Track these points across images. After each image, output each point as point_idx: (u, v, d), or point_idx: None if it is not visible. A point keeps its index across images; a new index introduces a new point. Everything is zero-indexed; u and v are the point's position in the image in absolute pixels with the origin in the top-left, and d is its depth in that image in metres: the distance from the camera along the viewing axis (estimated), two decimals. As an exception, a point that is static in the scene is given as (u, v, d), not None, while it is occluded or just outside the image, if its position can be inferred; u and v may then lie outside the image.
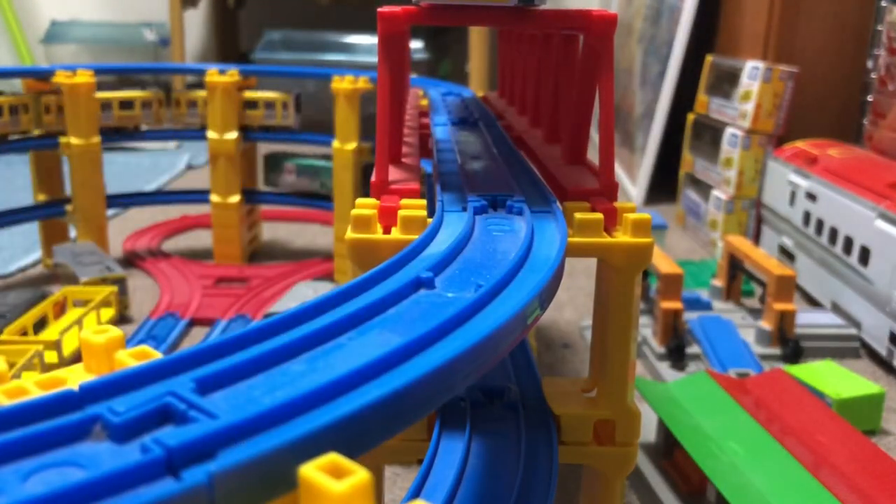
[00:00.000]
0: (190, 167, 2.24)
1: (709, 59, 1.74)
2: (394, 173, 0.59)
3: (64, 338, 0.98)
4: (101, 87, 1.34)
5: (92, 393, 0.26)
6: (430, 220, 0.49)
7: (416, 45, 2.49)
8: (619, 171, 2.14)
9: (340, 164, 1.32)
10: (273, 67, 1.82)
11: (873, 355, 1.12)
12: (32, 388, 0.30)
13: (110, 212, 1.58)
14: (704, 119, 1.70)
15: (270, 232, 1.64)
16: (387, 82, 0.55)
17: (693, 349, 1.06)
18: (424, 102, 1.06)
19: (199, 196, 1.53)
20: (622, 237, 0.51)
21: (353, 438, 0.26)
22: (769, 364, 1.04)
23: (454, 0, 0.53)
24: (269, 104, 1.41)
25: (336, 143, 1.32)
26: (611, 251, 0.51)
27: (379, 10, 0.54)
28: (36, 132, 1.33)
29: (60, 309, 1.11)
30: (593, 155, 0.56)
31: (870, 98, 1.43)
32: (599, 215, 0.51)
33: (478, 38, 2.51)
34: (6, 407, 0.25)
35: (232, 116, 1.38)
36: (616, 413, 0.54)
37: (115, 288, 1.15)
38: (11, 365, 0.88)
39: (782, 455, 0.69)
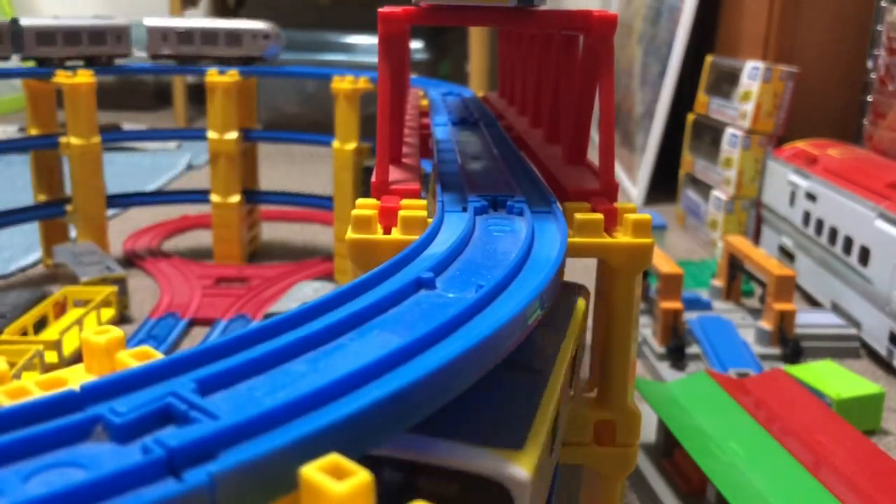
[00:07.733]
0: (190, 167, 2.24)
1: (709, 59, 1.74)
2: (394, 173, 0.59)
3: (64, 338, 0.98)
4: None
5: (93, 393, 0.26)
6: (430, 221, 0.49)
7: (416, 45, 2.49)
8: (619, 171, 2.14)
9: (340, 164, 1.32)
10: (273, 67, 1.81)
11: (873, 355, 1.12)
12: (33, 388, 0.30)
13: (110, 212, 1.58)
14: (704, 119, 1.70)
15: (270, 232, 1.64)
16: (387, 82, 0.55)
17: (693, 349, 1.06)
18: (424, 102, 1.06)
19: (199, 196, 1.53)
20: (623, 238, 0.51)
21: (354, 439, 0.26)
22: (769, 364, 1.04)
23: (454, 0, 0.53)
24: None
25: (336, 143, 1.32)
26: (611, 252, 0.51)
27: (379, 10, 0.54)
28: (36, 132, 1.34)
29: (60, 309, 1.11)
30: (593, 155, 0.56)
31: (870, 98, 1.43)
32: (600, 216, 0.51)
33: (478, 38, 2.51)
34: (7, 407, 0.25)
35: (232, 116, 1.38)
36: (616, 413, 0.54)
37: (115, 288, 1.15)
38: (12, 365, 0.88)
39: (782, 455, 0.69)
